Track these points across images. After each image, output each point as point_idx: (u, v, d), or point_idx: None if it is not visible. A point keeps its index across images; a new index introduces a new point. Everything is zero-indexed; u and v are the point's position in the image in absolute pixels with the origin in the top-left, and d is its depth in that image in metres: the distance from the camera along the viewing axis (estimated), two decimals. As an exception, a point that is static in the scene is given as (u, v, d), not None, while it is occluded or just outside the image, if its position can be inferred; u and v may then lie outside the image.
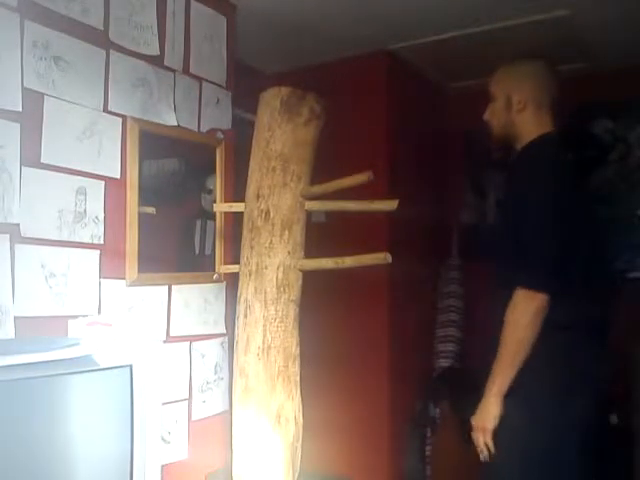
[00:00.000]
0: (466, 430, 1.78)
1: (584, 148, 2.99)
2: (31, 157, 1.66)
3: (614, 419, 2.78)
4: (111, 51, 1.90)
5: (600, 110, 3.14)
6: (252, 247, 1.82)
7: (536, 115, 1.76)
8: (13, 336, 1.58)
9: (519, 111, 1.76)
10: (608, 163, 3.11)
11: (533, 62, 1.83)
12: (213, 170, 2.27)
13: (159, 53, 2.07)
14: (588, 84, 3.09)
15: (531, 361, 1.63)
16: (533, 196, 1.64)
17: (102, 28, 1.87)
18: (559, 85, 1.81)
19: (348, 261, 1.81)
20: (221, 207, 2.22)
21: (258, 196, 1.83)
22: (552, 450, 1.64)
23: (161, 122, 2.06)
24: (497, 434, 1.68)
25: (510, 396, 1.66)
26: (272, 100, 1.85)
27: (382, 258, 1.78)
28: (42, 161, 1.69)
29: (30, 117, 1.65)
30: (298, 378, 1.83)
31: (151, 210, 2.00)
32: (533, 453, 1.64)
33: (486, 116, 1.85)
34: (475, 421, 1.70)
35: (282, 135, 1.82)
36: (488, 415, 1.66)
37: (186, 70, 2.18)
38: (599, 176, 3.12)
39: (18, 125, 1.62)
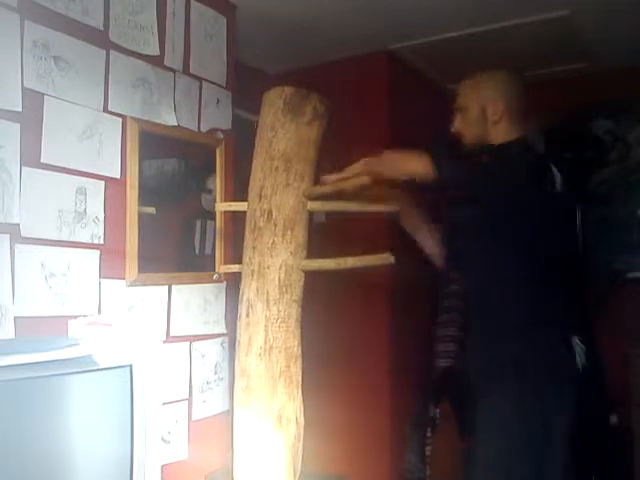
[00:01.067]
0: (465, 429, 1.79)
1: (584, 148, 2.99)
2: (31, 157, 1.66)
3: (614, 419, 2.78)
4: (111, 51, 1.90)
5: (600, 110, 3.14)
6: (254, 247, 1.82)
7: (509, 125, 1.77)
8: (13, 336, 1.57)
9: (494, 123, 1.77)
10: (608, 163, 3.11)
11: (504, 72, 1.82)
12: (213, 170, 2.27)
13: (159, 53, 2.07)
14: (588, 84, 3.09)
15: (513, 359, 1.64)
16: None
17: (102, 28, 1.87)
18: (526, 92, 1.82)
19: (350, 261, 1.81)
20: (222, 207, 2.21)
21: (261, 196, 1.83)
22: (537, 448, 1.63)
23: (161, 122, 2.06)
24: (484, 433, 1.69)
25: (494, 395, 1.67)
26: (275, 100, 1.85)
27: (385, 259, 1.78)
28: (42, 161, 1.69)
29: (30, 117, 1.65)
30: (300, 378, 1.83)
31: (151, 210, 2.00)
32: (519, 449, 1.63)
33: (456, 127, 1.84)
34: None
35: (285, 135, 1.82)
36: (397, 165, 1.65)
37: (186, 70, 2.18)
38: (599, 176, 3.12)
39: (18, 125, 1.62)
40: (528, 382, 1.64)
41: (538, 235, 1.67)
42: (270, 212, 1.79)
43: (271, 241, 1.79)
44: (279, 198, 1.80)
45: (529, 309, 1.67)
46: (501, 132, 1.77)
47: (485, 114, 1.77)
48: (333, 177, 1.70)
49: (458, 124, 1.83)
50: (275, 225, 1.79)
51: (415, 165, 1.62)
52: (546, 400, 1.65)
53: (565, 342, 1.73)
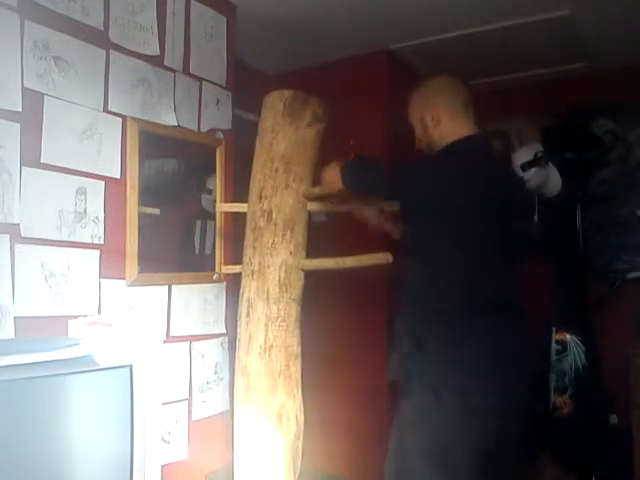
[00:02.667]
0: None
1: (584, 148, 2.99)
2: (31, 157, 1.66)
3: (614, 419, 2.78)
4: (111, 51, 1.90)
5: (600, 110, 3.14)
6: (255, 247, 1.83)
7: (452, 124, 1.79)
8: (13, 336, 1.57)
9: (435, 126, 1.81)
10: (608, 163, 3.10)
11: (433, 79, 1.89)
12: (213, 170, 2.27)
13: (159, 53, 2.07)
14: (588, 84, 3.09)
15: (458, 350, 1.62)
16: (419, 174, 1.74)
17: (102, 28, 1.87)
18: (468, 89, 1.86)
19: (349, 261, 1.81)
20: (224, 207, 2.22)
21: (261, 197, 1.84)
22: (486, 438, 1.60)
23: (161, 122, 2.06)
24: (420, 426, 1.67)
25: (437, 385, 1.64)
26: (275, 103, 1.86)
27: (383, 258, 1.78)
28: (42, 161, 1.69)
29: (30, 117, 1.65)
30: (299, 377, 1.84)
31: (154, 211, 2.00)
32: (466, 442, 1.60)
33: (416, 147, 1.91)
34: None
35: (285, 137, 1.83)
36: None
37: (186, 70, 2.18)
38: (599, 176, 3.11)
39: (18, 125, 1.62)
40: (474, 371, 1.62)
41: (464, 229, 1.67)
42: (270, 212, 1.80)
43: (271, 241, 1.80)
44: (279, 199, 1.81)
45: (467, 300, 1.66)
46: (445, 132, 1.79)
47: (424, 123, 1.83)
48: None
49: (416, 143, 1.91)
50: (275, 225, 1.80)
51: (330, 181, 1.79)
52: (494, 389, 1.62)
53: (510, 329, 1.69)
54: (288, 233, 1.80)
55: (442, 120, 1.80)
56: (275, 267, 1.79)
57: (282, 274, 1.78)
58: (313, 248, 1.90)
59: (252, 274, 1.82)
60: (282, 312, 1.78)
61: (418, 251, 1.76)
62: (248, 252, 1.86)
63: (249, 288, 1.82)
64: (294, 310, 1.81)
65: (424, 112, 1.83)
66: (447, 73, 1.88)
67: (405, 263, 1.78)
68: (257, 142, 1.90)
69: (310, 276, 1.89)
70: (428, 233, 1.72)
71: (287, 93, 1.85)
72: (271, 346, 1.76)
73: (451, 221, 1.67)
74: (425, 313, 1.71)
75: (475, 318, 1.64)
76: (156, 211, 2.01)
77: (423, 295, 1.72)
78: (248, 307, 1.81)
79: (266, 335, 1.77)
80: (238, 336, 1.86)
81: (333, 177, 1.79)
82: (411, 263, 1.77)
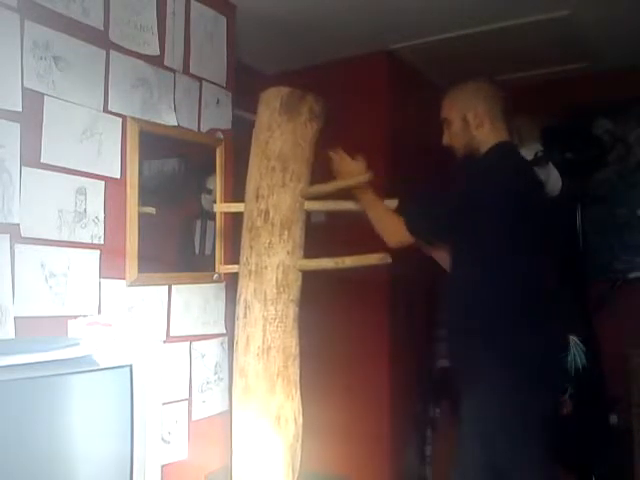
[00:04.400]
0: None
1: (584, 148, 2.99)
2: (31, 157, 1.66)
3: (614, 419, 2.78)
4: (111, 51, 1.90)
5: (600, 110, 3.14)
6: (252, 247, 1.82)
7: (492, 127, 1.83)
8: (13, 336, 1.58)
9: (477, 126, 1.83)
10: (608, 163, 3.10)
11: (477, 81, 1.91)
12: (213, 170, 2.27)
13: (159, 53, 2.07)
14: (588, 84, 3.09)
15: (489, 364, 1.67)
16: (466, 183, 1.76)
17: (102, 28, 1.87)
18: (506, 97, 1.90)
19: (348, 261, 1.81)
20: (221, 207, 2.22)
21: (257, 196, 1.83)
22: (519, 445, 1.67)
23: (161, 122, 2.06)
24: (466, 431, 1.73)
25: (472, 398, 1.72)
26: (272, 100, 1.85)
27: (382, 258, 1.79)
28: (42, 161, 1.69)
29: (30, 117, 1.65)
30: (298, 378, 1.84)
31: (151, 210, 2.00)
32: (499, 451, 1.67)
33: (445, 141, 1.92)
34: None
35: (282, 135, 1.83)
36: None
37: (186, 70, 2.18)
38: (599, 176, 3.11)
39: (18, 125, 1.62)
40: (510, 379, 1.67)
41: (526, 238, 1.72)
42: (267, 212, 1.80)
43: (268, 241, 1.79)
44: (276, 198, 1.81)
45: (519, 312, 1.70)
46: (485, 134, 1.83)
47: (467, 121, 1.84)
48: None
49: (446, 138, 1.91)
50: (272, 225, 1.79)
51: (392, 238, 1.81)
52: (517, 397, 1.67)
53: (555, 344, 1.75)
54: (285, 233, 1.80)
55: (484, 121, 1.82)
56: (272, 267, 1.78)
57: (279, 275, 1.78)
58: (311, 248, 1.90)
59: (249, 274, 1.82)
60: (280, 313, 1.78)
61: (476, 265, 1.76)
62: (245, 252, 1.85)
63: (246, 289, 1.82)
64: (292, 311, 1.81)
65: (467, 110, 1.83)
66: (487, 76, 1.94)
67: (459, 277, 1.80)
68: (253, 140, 1.90)
69: (310, 276, 1.89)
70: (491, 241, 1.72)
71: (284, 90, 1.84)
72: (269, 347, 1.76)
73: (511, 225, 1.70)
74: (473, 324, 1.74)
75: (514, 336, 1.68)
76: (152, 210, 2.00)
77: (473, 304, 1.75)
78: (245, 308, 1.81)
79: (264, 336, 1.76)
80: (236, 337, 1.86)
81: (388, 229, 1.82)
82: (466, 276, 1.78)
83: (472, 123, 1.83)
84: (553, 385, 1.77)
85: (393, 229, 1.81)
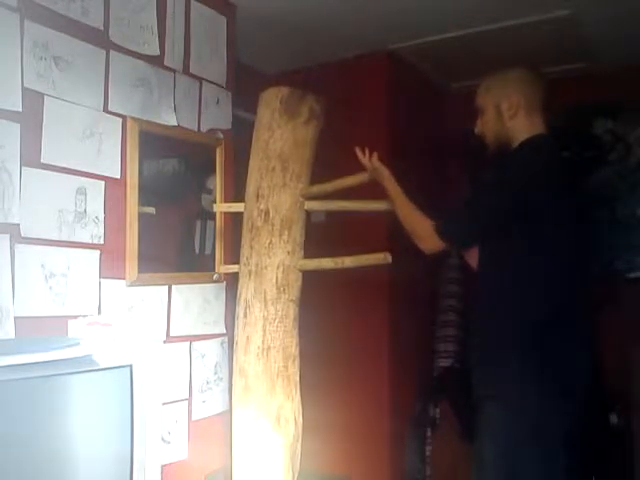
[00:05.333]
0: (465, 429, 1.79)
1: (584, 148, 2.99)
2: (31, 157, 1.66)
3: (614, 419, 2.78)
4: (111, 51, 1.90)
5: (600, 110, 3.13)
6: (252, 247, 1.82)
7: (527, 119, 1.76)
8: (13, 336, 1.58)
9: (511, 117, 1.76)
10: (608, 163, 3.10)
11: (516, 69, 1.83)
12: (213, 170, 2.27)
13: (159, 53, 2.07)
14: (588, 84, 3.09)
15: (517, 365, 1.64)
16: (502, 179, 1.70)
17: (102, 28, 1.87)
18: (546, 88, 1.84)
19: (348, 261, 1.81)
20: (221, 207, 2.22)
21: (258, 196, 1.83)
22: (542, 452, 1.63)
23: (161, 122, 2.06)
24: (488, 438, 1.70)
25: (498, 399, 1.67)
26: (272, 100, 1.85)
27: (382, 258, 1.78)
28: (42, 161, 1.69)
29: (30, 117, 1.65)
30: (298, 378, 1.84)
31: (150, 210, 2.00)
32: (520, 449, 1.64)
33: (478, 130, 1.86)
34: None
35: (282, 135, 1.83)
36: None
37: (186, 70, 2.18)
38: (599, 176, 3.11)
39: (18, 125, 1.62)
40: (529, 385, 1.64)
41: (557, 234, 1.67)
42: (267, 212, 1.80)
43: (268, 241, 1.79)
44: (276, 198, 1.80)
45: (543, 313, 1.66)
46: (519, 126, 1.76)
47: (500, 111, 1.77)
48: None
49: (479, 126, 1.85)
50: (272, 225, 1.79)
51: (425, 245, 1.76)
52: (546, 402, 1.64)
53: (574, 347, 1.70)
54: (286, 233, 1.80)
55: (519, 112, 1.75)
56: (272, 267, 1.78)
57: (279, 275, 1.78)
58: (311, 248, 1.90)
59: (249, 274, 1.82)
60: (280, 313, 1.78)
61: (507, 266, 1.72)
62: (245, 252, 1.85)
63: (246, 289, 1.82)
64: (292, 311, 1.81)
65: (501, 100, 1.76)
66: (528, 66, 1.85)
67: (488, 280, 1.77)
68: (253, 140, 1.90)
69: (310, 277, 1.89)
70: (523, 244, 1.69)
71: (284, 90, 1.84)
72: (269, 347, 1.76)
73: (547, 229, 1.66)
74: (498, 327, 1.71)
75: (547, 334, 1.65)
76: (151, 210, 2.00)
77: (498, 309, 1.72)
78: (245, 308, 1.81)
79: (264, 336, 1.76)
80: (235, 337, 1.86)
81: (420, 233, 1.77)
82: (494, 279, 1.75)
83: (505, 113, 1.76)
84: (582, 390, 1.72)
85: (424, 235, 1.74)
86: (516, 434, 1.63)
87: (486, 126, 1.82)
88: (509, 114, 1.76)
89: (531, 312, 1.65)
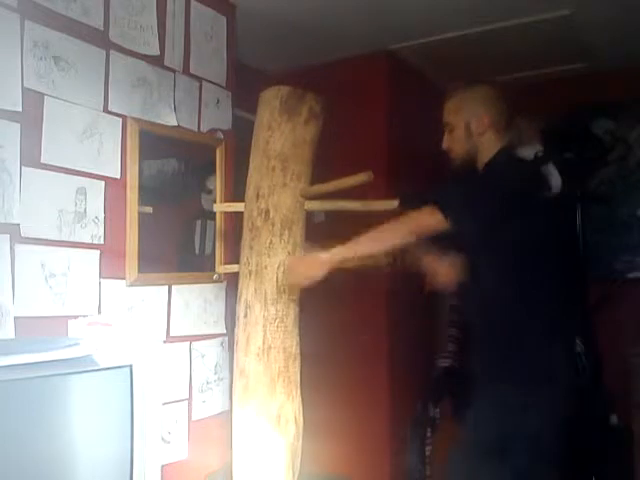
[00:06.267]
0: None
1: (584, 148, 2.99)
2: (31, 157, 1.66)
3: (614, 419, 2.78)
4: (111, 51, 1.90)
5: (600, 110, 3.14)
6: (252, 247, 1.82)
7: (495, 135, 1.82)
8: (13, 336, 1.58)
9: (480, 134, 1.81)
10: (608, 163, 3.11)
11: (481, 86, 1.88)
12: (213, 170, 2.27)
13: (159, 53, 2.07)
14: (588, 84, 3.09)
15: (500, 364, 1.71)
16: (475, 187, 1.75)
17: (102, 28, 1.87)
18: (507, 102, 1.88)
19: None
20: (221, 207, 2.22)
21: (258, 196, 1.83)
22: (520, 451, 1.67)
23: (161, 122, 2.06)
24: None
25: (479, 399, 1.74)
26: (272, 100, 1.85)
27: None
28: (42, 161, 1.69)
29: (30, 117, 1.65)
30: (298, 378, 1.83)
31: (148, 209, 2.00)
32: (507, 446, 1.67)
33: (445, 145, 1.89)
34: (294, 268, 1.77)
35: (282, 135, 1.82)
36: (309, 269, 1.74)
37: (186, 70, 2.18)
38: (599, 176, 3.12)
39: (18, 125, 1.62)
40: (522, 384, 1.68)
41: (535, 238, 1.73)
42: (267, 212, 1.80)
43: (269, 241, 1.79)
44: (276, 198, 1.80)
45: (533, 317, 1.72)
46: (486, 143, 1.82)
47: (470, 129, 1.82)
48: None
49: (447, 142, 1.89)
50: (272, 225, 1.79)
51: (426, 223, 1.72)
52: (537, 400, 1.68)
53: (565, 349, 1.77)
54: (286, 233, 1.80)
55: (487, 130, 1.81)
56: (273, 267, 1.78)
57: (280, 275, 1.78)
58: (311, 248, 1.90)
59: (249, 274, 1.82)
60: (280, 313, 1.78)
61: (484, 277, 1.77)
62: (245, 252, 1.85)
63: (247, 289, 1.82)
64: (292, 311, 1.81)
65: (471, 118, 1.82)
66: (491, 83, 1.92)
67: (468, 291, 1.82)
68: (253, 140, 1.89)
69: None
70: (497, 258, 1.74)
71: (283, 89, 1.84)
72: (269, 347, 1.76)
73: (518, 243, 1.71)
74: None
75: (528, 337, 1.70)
76: (149, 209, 2.00)
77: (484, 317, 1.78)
78: (246, 308, 1.81)
79: (264, 336, 1.76)
80: (236, 337, 1.86)
81: (422, 221, 1.73)
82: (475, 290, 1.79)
83: (475, 131, 1.81)
84: (567, 385, 1.76)
85: (420, 217, 1.73)
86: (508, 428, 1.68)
87: (455, 142, 1.86)
88: (478, 131, 1.81)
89: (514, 314, 1.71)
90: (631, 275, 3.03)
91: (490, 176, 1.78)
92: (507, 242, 1.71)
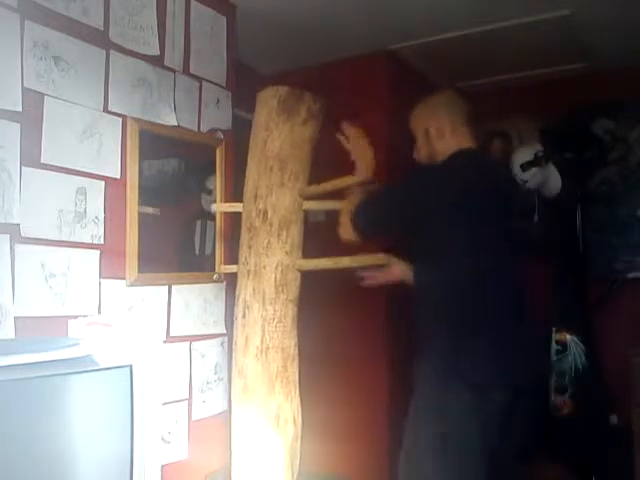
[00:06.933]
0: None
1: (584, 148, 2.99)
2: (31, 157, 1.66)
3: (614, 419, 2.78)
4: (111, 51, 1.90)
5: (600, 110, 3.14)
6: (250, 247, 1.82)
7: (453, 137, 1.89)
8: (13, 336, 1.58)
9: (438, 138, 1.90)
10: (608, 163, 3.10)
11: (439, 94, 2.03)
12: (213, 170, 2.27)
13: (159, 53, 2.07)
14: (588, 84, 3.09)
15: (451, 354, 1.75)
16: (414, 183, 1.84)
17: (102, 28, 1.87)
18: (470, 106, 1.97)
19: (346, 261, 1.81)
20: (221, 207, 2.22)
21: (256, 196, 1.83)
22: (473, 437, 1.71)
23: (161, 122, 2.06)
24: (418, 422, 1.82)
25: (429, 386, 1.83)
26: (270, 99, 1.85)
27: (380, 259, 1.79)
28: (42, 161, 1.69)
29: (30, 117, 1.65)
30: (297, 378, 1.83)
31: (154, 211, 2.00)
32: (456, 442, 1.72)
33: (415, 156, 1.99)
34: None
35: (280, 135, 1.82)
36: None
37: (186, 70, 2.18)
38: (599, 176, 3.11)
39: (18, 125, 1.62)
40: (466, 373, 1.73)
41: (471, 235, 1.79)
42: (265, 212, 1.80)
43: (267, 241, 1.79)
44: (274, 198, 1.80)
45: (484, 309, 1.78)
46: (445, 146, 1.89)
47: (429, 134, 1.92)
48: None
49: (416, 154, 1.99)
50: (271, 225, 1.79)
51: (342, 233, 1.85)
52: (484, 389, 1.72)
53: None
54: (284, 233, 1.80)
55: (445, 133, 1.88)
56: (271, 267, 1.78)
57: (278, 275, 1.78)
58: (310, 248, 1.90)
59: (248, 274, 1.82)
60: (278, 313, 1.78)
61: (426, 261, 1.83)
62: (244, 252, 1.85)
63: (245, 289, 1.82)
64: (291, 311, 1.81)
65: (429, 124, 1.91)
66: (451, 89, 2.04)
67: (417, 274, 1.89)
68: (251, 140, 1.90)
69: (309, 277, 1.89)
70: (436, 242, 1.80)
71: (281, 89, 1.84)
72: (268, 347, 1.76)
73: (457, 228, 1.76)
74: (436, 320, 1.85)
75: (479, 322, 1.75)
76: (156, 211, 2.01)
77: (434, 304, 1.86)
78: (244, 308, 1.81)
79: (262, 336, 1.76)
80: (235, 338, 1.86)
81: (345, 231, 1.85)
82: (424, 273, 1.87)
83: (434, 135, 1.90)
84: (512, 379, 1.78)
85: (342, 226, 1.86)
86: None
87: (419, 151, 1.96)
88: (437, 135, 1.90)
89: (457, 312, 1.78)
90: (631, 275, 3.03)
91: (417, 175, 1.88)
92: (445, 232, 1.77)
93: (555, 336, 2.58)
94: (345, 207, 1.87)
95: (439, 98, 1.99)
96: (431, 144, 1.91)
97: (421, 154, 1.97)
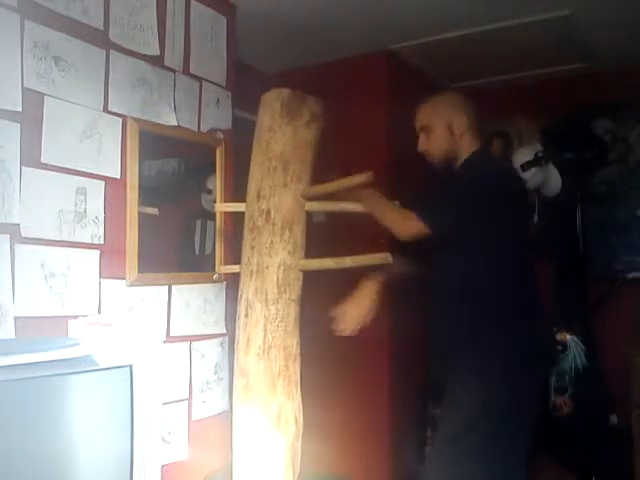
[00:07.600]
0: None
1: (584, 148, 2.99)
2: (31, 157, 1.66)
3: (614, 419, 2.78)
4: (111, 51, 1.90)
5: (600, 110, 3.14)
6: (253, 247, 1.82)
7: (472, 137, 1.95)
8: (13, 336, 1.58)
9: (460, 136, 1.94)
10: (608, 163, 3.11)
11: (455, 94, 2.07)
12: (213, 170, 2.27)
13: (159, 53, 2.07)
14: (588, 84, 3.09)
15: (482, 349, 1.80)
16: (462, 189, 1.86)
17: (102, 28, 1.87)
18: (476, 110, 2.01)
19: (349, 261, 1.81)
20: (221, 207, 2.22)
21: (259, 196, 1.83)
22: (503, 433, 1.75)
23: (161, 122, 2.06)
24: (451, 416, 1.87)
25: (463, 382, 1.83)
26: (273, 102, 1.85)
27: (383, 258, 1.78)
28: (42, 161, 1.69)
29: (30, 117, 1.65)
30: (298, 378, 1.83)
31: (154, 211, 2.00)
32: (484, 437, 1.74)
33: (422, 147, 2.01)
34: None
35: (283, 136, 1.83)
36: None
37: (186, 70, 2.18)
38: (599, 176, 3.12)
39: (18, 125, 1.62)
40: (493, 366, 1.78)
41: (506, 235, 1.86)
42: (268, 212, 1.80)
43: (269, 241, 1.79)
44: (277, 198, 1.81)
45: (500, 305, 1.84)
46: (466, 144, 1.94)
47: (451, 130, 1.94)
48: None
49: (424, 144, 2.00)
50: (273, 225, 1.79)
51: (406, 229, 1.83)
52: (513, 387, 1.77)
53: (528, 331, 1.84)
54: (287, 233, 1.80)
55: (466, 133, 1.94)
56: (274, 267, 1.78)
57: (281, 274, 1.78)
58: (312, 248, 1.90)
59: (250, 274, 1.82)
60: (281, 313, 1.78)
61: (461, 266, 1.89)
62: (246, 252, 1.85)
63: (247, 289, 1.82)
64: (293, 310, 1.81)
65: (452, 119, 1.93)
66: (460, 93, 2.07)
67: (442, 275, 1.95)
68: (254, 141, 1.90)
69: (311, 277, 1.89)
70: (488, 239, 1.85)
71: (284, 92, 1.84)
72: (270, 347, 1.76)
73: (505, 227, 1.84)
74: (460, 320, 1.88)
75: (505, 322, 1.82)
76: (155, 211, 2.01)
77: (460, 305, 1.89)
78: (247, 308, 1.81)
79: (265, 336, 1.76)
80: (237, 337, 1.86)
81: (402, 226, 1.85)
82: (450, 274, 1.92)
83: (456, 132, 1.93)
84: (538, 371, 1.90)
85: (406, 222, 1.84)
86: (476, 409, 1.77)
87: (435, 144, 1.97)
88: (459, 133, 1.93)
89: (491, 297, 1.84)
90: (631, 275, 3.03)
91: (469, 175, 1.90)
92: (486, 234, 1.82)
93: (555, 336, 2.58)
94: (364, 207, 1.89)
95: (454, 96, 2.03)
96: (454, 141, 1.94)
97: (436, 148, 1.97)
